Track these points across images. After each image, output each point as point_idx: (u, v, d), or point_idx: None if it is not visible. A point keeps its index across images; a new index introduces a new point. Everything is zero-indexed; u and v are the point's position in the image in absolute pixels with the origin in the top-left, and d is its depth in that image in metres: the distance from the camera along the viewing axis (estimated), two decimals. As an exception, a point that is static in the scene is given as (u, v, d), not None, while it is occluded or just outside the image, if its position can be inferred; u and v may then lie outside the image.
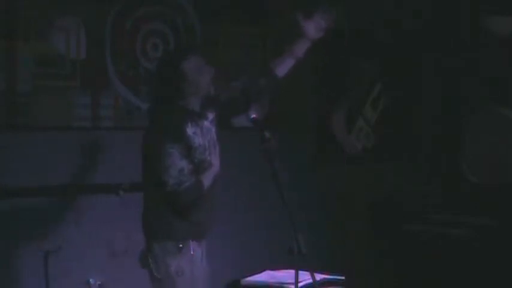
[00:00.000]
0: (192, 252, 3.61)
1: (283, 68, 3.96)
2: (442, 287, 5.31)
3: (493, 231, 5.28)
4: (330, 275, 3.81)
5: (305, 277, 3.40)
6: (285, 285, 3.65)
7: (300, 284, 3.31)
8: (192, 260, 3.62)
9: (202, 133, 3.66)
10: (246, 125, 3.61)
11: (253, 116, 3.55)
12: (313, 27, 3.92)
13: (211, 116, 3.76)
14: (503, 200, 5.45)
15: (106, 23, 4.68)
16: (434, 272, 5.33)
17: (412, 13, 6.10)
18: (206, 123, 3.72)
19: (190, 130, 3.60)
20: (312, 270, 3.35)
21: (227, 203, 4.73)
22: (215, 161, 3.70)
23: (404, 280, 5.50)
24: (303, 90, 5.58)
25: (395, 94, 6.16)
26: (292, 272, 3.33)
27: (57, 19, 4.48)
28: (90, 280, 4.30)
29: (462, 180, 5.90)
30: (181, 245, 3.58)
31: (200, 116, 3.70)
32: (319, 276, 3.58)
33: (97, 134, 4.64)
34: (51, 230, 4.40)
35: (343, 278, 3.89)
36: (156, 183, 3.56)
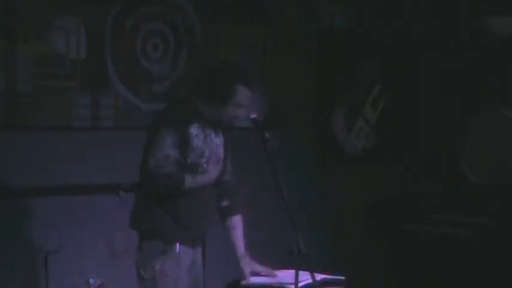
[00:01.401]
0: (177, 256, 3.59)
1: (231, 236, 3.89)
2: (442, 287, 5.31)
3: (493, 231, 5.27)
4: (330, 275, 3.80)
5: (305, 277, 3.39)
6: (285, 285, 3.64)
7: (300, 284, 3.31)
8: (178, 264, 3.60)
9: (205, 140, 3.63)
10: (246, 125, 3.61)
11: (254, 116, 3.55)
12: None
13: (221, 136, 3.73)
14: (503, 200, 5.44)
15: (106, 23, 4.68)
16: (434, 272, 5.32)
17: (412, 13, 6.10)
18: (214, 137, 3.68)
19: (193, 130, 3.58)
20: (312, 270, 3.36)
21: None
22: (212, 170, 3.68)
23: (404, 280, 5.50)
24: (303, 91, 5.58)
25: (395, 94, 6.15)
26: (292, 272, 3.33)
27: (57, 19, 4.48)
28: (90, 280, 4.29)
29: (462, 180, 5.89)
30: (167, 247, 3.56)
31: (210, 125, 3.66)
32: (319, 276, 3.57)
33: (97, 134, 4.64)
34: (51, 230, 4.40)
35: (343, 278, 3.87)
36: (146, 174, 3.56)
